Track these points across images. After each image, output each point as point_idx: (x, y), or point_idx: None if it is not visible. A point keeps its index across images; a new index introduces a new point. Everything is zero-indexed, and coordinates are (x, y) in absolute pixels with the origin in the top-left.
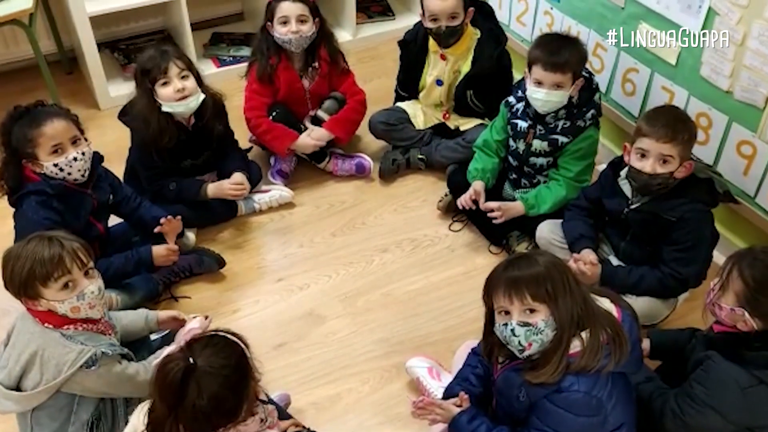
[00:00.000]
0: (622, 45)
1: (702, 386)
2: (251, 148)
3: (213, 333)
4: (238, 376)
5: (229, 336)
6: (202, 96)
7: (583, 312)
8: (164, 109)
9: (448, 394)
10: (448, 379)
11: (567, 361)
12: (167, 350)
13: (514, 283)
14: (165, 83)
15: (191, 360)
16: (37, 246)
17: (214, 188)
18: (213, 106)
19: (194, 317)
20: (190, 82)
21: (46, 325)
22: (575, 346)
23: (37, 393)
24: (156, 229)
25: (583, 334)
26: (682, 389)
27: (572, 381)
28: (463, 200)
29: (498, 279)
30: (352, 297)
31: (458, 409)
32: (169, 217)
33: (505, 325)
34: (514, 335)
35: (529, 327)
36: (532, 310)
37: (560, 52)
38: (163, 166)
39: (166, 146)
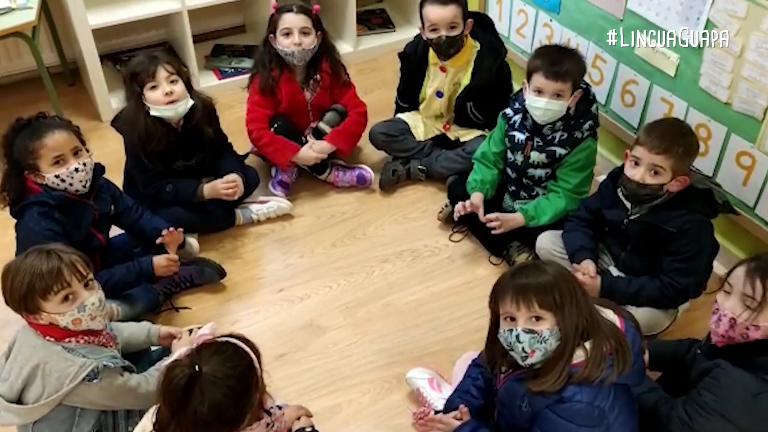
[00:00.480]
0: (620, 56)
1: (711, 393)
2: (248, 154)
3: (225, 339)
4: (242, 387)
5: (240, 344)
6: (191, 102)
7: (588, 323)
8: (152, 112)
9: (449, 406)
10: (448, 390)
11: (569, 371)
12: (168, 360)
13: (522, 289)
14: (153, 87)
15: (197, 367)
16: (35, 260)
17: (209, 188)
18: (203, 109)
19: (188, 329)
20: (179, 87)
21: (47, 338)
22: (579, 356)
23: (39, 406)
24: (158, 240)
25: (587, 344)
26: (689, 397)
27: (575, 391)
28: (460, 205)
29: (506, 285)
30: (353, 307)
31: (458, 422)
32: (171, 228)
33: (510, 330)
34: (519, 341)
35: (534, 334)
36: (538, 318)
37: (562, 61)
38: (156, 168)
39: (155, 149)
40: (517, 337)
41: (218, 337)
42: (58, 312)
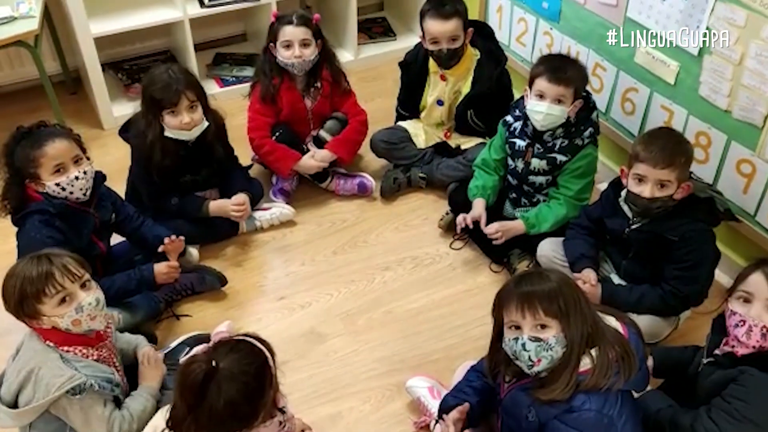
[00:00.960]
0: (620, 64)
1: (741, 400)
2: (252, 164)
3: (241, 338)
4: (257, 384)
5: (255, 342)
6: (206, 124)
7: (593, 330)
8: (167, 134)
9: (444, 406)
10: None
11: (577, 379)
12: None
13: (527, 297)
14: (173, 112)
15: (214, 363)
16: (26, 266)
17: (215, 206)
18: (215, 127)
19: (185, 337)
20: (197, 114)
21: (47, 342)
22: (585, 363)
23: (27, 410)
24: (159, 249)
25: (593, 352)
26: (714, 405)
27: (584, 399)
28: (461, 217)
29: (510, 293)
30: (354, 315)
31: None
32: (172, 237)
33: (516, 339)
34: (525, 350)
35: (540, 342)
36: (543, 326)
37: (565, 67)
38: (163, 183)
39: (166, 165)
40: (523, 345)
41: (234, 335)
42: (57, 314)
